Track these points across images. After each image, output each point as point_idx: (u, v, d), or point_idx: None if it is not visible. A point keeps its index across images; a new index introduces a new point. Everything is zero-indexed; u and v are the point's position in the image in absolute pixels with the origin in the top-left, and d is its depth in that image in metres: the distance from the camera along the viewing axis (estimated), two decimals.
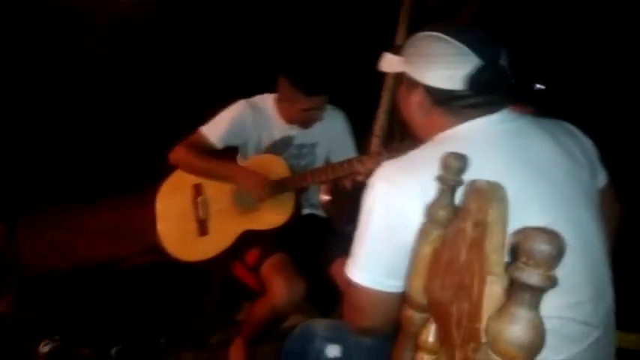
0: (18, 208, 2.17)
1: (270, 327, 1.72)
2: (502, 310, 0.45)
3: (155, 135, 3.65)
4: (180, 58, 4.20)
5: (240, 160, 1.91)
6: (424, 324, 0.76)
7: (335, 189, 2.11)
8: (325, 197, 2.18)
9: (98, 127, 3.83)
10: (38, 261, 2.27)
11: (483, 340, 0.49)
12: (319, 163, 1.95)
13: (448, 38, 0.91)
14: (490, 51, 0.91)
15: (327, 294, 1.80)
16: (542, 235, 0.43)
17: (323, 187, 2.13)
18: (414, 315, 0.79)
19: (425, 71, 0.95)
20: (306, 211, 1.96)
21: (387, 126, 2.30)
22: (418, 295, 0.78)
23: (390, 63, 1.06)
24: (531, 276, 0.43)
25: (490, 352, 0.45)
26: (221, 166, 1.79)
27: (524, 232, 0.44)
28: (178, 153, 1.78)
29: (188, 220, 1.80)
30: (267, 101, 1.88)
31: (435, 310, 0.69)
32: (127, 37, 3.85)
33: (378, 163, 1.62)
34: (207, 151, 1.80)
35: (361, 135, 2.13)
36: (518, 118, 0.95)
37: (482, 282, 0.53)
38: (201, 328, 2.10)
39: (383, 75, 2.24)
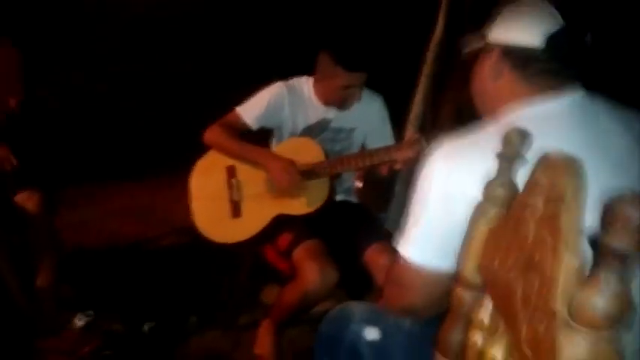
0: (54, 184, 2.21)
1: (299, 312, 1.72)
2: (590, 279, 0.43)
3: (185, 118, 3.69)
4: (218, 39, 4.22)
5: (275, 143, 1.90)
6: (477, 303, 0.73)
7: (368, 176, 2.08)
8: (358, 184, 2.16)
9: (129, 111, 3.88)
10: (69, 238, 2.30)
11: (559, 315, 0.46)
12: (355, 148, 1.93)
13: (537, 1, 0.91)
14: (577, 22, 0.89)
15: (360, 281, 1.79)
16: (628, 198, 0.40)
17: (356, 174, 2.11)
18: (465, 294, 0.77)
19: (503, 30, 0.94)
20: (339, 197, 1.94)
21: (422, 114, 2.26)
22: (471, 274, 0.75)
23: (472, 42, 1.04)
24: (623, 240, 0.40)
25: (573, 324, 0.43)
26: (252, 150, 1.78)
27: (618, 198, 0.41)
28: (212, 132, 1.78)
29: (221, 200, 1.80)
30: (304, 84, 1.86)
31: (496, 289, 0.67)
32: (158, 21, 3.88)
33: (416, 151, 1.61)
34: (242, 132, 1.80)
35: (397, 122, 2.10)
36: (594, 102, 0.91)
37: (558, 258, 0.51)
38: (229, 308, 2.11)
39: (420, 62, 2.20)
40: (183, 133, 3.37)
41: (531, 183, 0.62)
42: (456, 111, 2.13)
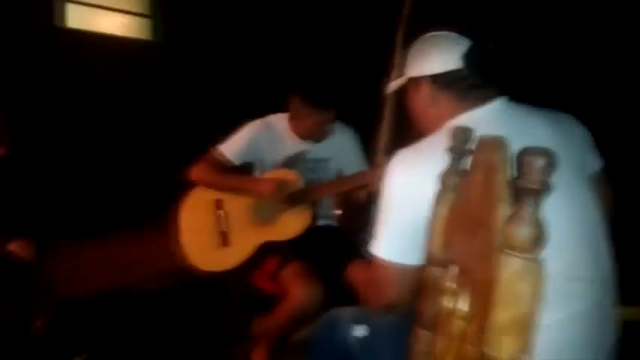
0: (41, 237, 2.28)
1: (290, 330, 1.80)
2: (513, 214, 0.57)
3: (158, 170, 3.81)
4: (189, 92, 4.40)
5: (257, 176, 2.04)
6: (445, 275, 0.86)
7: (346, 203, 2.23)
8: (337, 211, 2.30)
9: (103, 163, 3.97)
10: (61, 288, 2.35)
11: (498, 247, 0.60)
12: (331, 177, 2.09)
13: (437, 33, 1.08)
14: (476, 37, 1.06)
15: (344, 299, 1.89)
16: (538, 151, 0.56)
17: (335, 202, 2.25)
18: (435, 271, 0.90)
19: (425, 63, 1.09)
20: (320, 221, 2.07)
21: (390, 141, 2.44)
22: (438, 251, 0.89)
23: (394, 83, 1.22)
24: (532, 182, 0.55)
25: (507, 250, 0.57)
26: (238, 179, 1.93)
27: (525, 152, 0.57)
28: (198, 169, 1.92)
29: (210, 232, 1.91)
30: (280, 120, 2.03)
31: (457, 255, 0.81)
32: (135, 74, 4.05)
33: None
34: (225, 168, 1.94)
35: (368, 150, 2.28)
36: (517, 106, 1.07)
37: (495, 210, 0.65)
38: (221, 342, 2.17)
39: (384, 92, 2.41)
40: (159, 187, 3.50)
41: (473, 163, 0.78)
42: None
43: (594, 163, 1.13)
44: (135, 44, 4.16)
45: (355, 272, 1.82)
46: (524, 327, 0.56)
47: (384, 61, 2.41)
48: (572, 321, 0.92)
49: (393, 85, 1.23)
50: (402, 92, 1.24)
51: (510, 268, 0.57)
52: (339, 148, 2.07)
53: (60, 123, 3.70)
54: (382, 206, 1.06)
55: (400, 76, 1.19)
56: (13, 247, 1.92)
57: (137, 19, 4.20)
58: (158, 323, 2.35)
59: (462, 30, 1.08)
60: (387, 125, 2.51)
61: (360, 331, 1.24)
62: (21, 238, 1.96)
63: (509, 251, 0.57)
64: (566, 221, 0.94)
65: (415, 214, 0.96)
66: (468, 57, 1.04)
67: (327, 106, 1.91)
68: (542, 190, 0.55)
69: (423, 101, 1.13)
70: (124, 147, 4.09)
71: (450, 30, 1.09)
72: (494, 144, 0.71)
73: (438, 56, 1.07)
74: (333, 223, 2.15)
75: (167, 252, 2.12)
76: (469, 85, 1.06)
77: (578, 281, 0.93)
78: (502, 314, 0.56)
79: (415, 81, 1.13)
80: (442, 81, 1.08)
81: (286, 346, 1.92)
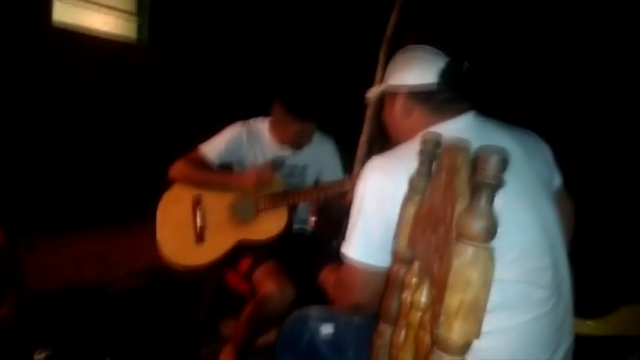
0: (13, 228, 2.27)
1: (260, 330, 1.83)
2: (469, 206, 0.63)
3: (142, 169, 3.81)
4: (175, 91, 4.42)
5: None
6: (408, 272, 0.91)
7: (321, 210, 2.28)
8: (312, 218, 2.35)
9: (88, 160, 3.96)
10: (28, 282, 2.33)
11: (453, 238, 0.65)
12: (308, 183, 2.14)
13: (418, 45, 1.13)
14: (456, 52, 1.11)
15: (315, 301, 1.93)
16: (493, 149, 0.61)
17: (310, 209, 2.30)
18: (399, 268, 0.95)
19: (404, 75, 1.15)
20: (295, 226, 2.11)
21: (368, 153, 2.51)
22: (403, 250, 0.94)
23: (373, 91, 1.27)
24: (487, 177, 0.60)
25: (461, 240, 0.62)
26: (218, 173, 1.97)
27: (482, 150, 0.62)
28: (179, 166, 1.95)
29: (186, 227, 1.93)
30: (261, 124, 2.08)
31: (420, 252, 0.86)
32: (120, 72, 4.06)
33: None
34: (205, 166, 1.97)
35: (347, 160, 2.34)
36: (486, 120, 1.13)
37: (453, 206, 0.70)
38: (190, 341, 2.17)
39: (364, 106, 2.48)
40: (139, 185, 3.51)
41: (438, 165, 0.84)
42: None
43: (556, 179, 1.20)
44: (121, 43, 4.16)
45: (326, 276, 1.86)
46: (474, 311, 0.61)
47: (367, 75, 2.50)
48: (531, 325, 0.97)
49: (374, 91, 1.28)
50: (382, 105, 1.30)
51: (463, 255, 0.62)
52: (319, 157, 2.12)
53: (47, 118, 3.68)
54: (355, 209, 1.10)
55: (381, 84, 1.25)
56: None
57: (124, 16, 4.21)
58: (129, 320, 2.34)
59: (441, 46, 1.13)
60: (366, 136, 2.59)
61: (327, 329, 1.27)
62: None
63: (463, 240, 0.62)
64: (531, 232, 1.00)
65: (387, 218, 1.01)
66: (445, 72, 1.09)
67: (309, 116, 1.96)
68: (496, 184, 0.61)
69: (398, 112, 1.18)
70: (110, 144, 4.08)
71: (431, 45, 1.13)
72: (457, 147, 0.77)
73: (416, 69, 1.13)
74: (308, 228, 2.19)
75: (146, 249, 2.12)
76: (443, 99, 1.11)
77: (538, 288, 0.99)
78: (453, 298, 0.61)
79: (393, 90, 1.19)
80: (418, 94, 1.13)
81: (255, 347, 1.94)
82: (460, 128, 1.09)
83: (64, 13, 3.75)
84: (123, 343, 2.14)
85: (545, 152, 1.18)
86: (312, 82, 2.75)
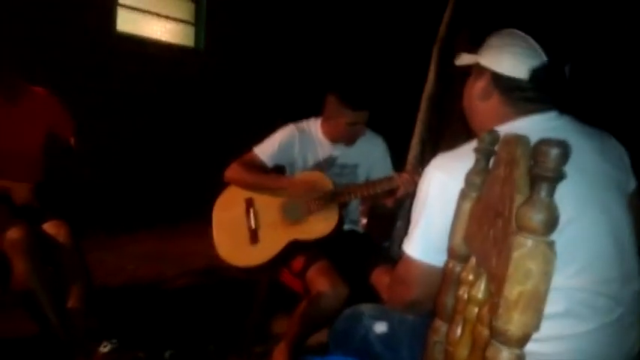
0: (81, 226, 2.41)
1: (313, 328, 1.85)
2: (528, 199, 0.62)
3: (197, 171, 3.95)
4: (229, 97, 4.57)
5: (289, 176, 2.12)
6: (464, 268, 0.91)
7: (372, 212, 2.28)
8: (364, 220, 2.36)
9: (147, 163, 4.15)
10: (97, 275, 2.47)
11: (512, 231, 0.65)
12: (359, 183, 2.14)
13: (524, 34, 1.07)
14: (559, 55, 1.06)
15: (367, 301, 1.93)
16: (553, 142, 0.60)
17: (361, 211, 2.31)
18: (455, 264, 0.95)
19: (496, 58, 1.09)
20: (346, 226, 2.13)
21: (420, 155, 2.49)
22: (459, 246, 0.93)
23: (463, 59, 1.20)
24: (546, 170, 0.60)
25: (521, 232, 0.62)
26: (270, 178, 2.00)
27: (541, 142, 0.62)
28: (233, 169, 2.01)
29: (241, 229, 1.99)
30: (312, 124, 2.11)
31: (476, 247, 0.85)
32: (178, 78, 4.23)
33: (415, 177, 1.81)
34: (258, 169, 2.02)
35: (396, 162, 2.33)
36: (562, 118, 1.08)
37: (513, 200, 0.70)
38: (245, 337, 2.23)
39: (418, 104, 2.47)
40: (192, 189, 3.64)
41: (496, 159, 0.83)
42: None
43: (631, 183, 1.13)
44: (179, 50, 4.34)
45: (380, 277, 1.86)
46: (533, 302, 0.60)
47: (420, 72, 2.49)
48: (596, 333, 0.95)
49: (464, 59, 1.20)
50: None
51: (522, 247, 0.62)
52: (369, 155, 2.13)
53: (108, 123, 3.88)
54: (417, 207, 1.10)
55: (473, 55, 1.16)
56: (48, 227, 2.04)
57: (182, 25, 4.40)
58: (185, 317, 2.44)
59: (546, 44, 1.06)
60: (418, 140, 2.57)
61: (380, 327, 1.27)
62: (55, 219, 2.07)
63: (523, 233, 0.62)
64: (601, 240, 0.97)
65: (447, 216, 0.98)
66: (537, 72, 1.04)
67: (363, 107, 1.97)
68: (556, 177, 0.60)
69: (477, 92, 1.14)
70: (168, 148, 4.26)
71: (536, 40, 1.06)
72: (516, 140, 0.76)
73: (508, 59, 1.07)
74: (359, 229, 2.19)
75: (201, 249, 2.20)
76: (525, 96, 1.07)
77: (603, 297, 0.95)
78: (513, 290, 0.61)
79: (479, 69, 1.13)
80: (502, 83, 1.08)
81: (307, 345, 1.96)
82: (538, 126, 1.04)
83: (126, 23, 3.95)
84: (181, 338, 2.23)
85: (623, 156, 1.12)
86: (365, 74, 2.76)
